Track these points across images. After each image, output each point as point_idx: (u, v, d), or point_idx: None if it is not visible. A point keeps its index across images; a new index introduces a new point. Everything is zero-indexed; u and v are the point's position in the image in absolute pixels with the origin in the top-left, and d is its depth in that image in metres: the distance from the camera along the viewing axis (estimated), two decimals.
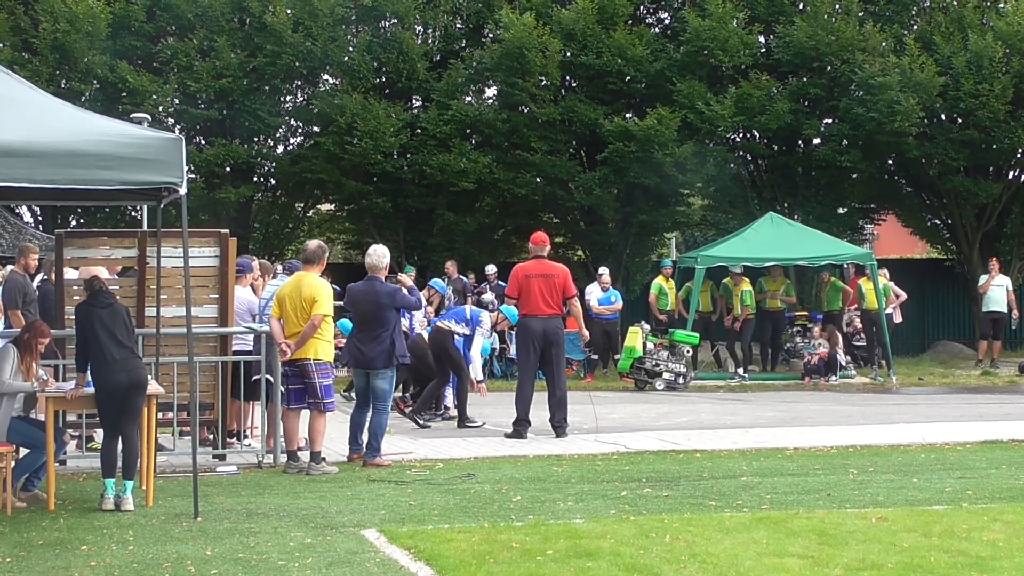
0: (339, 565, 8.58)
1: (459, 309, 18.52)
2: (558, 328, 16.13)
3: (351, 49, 29.31)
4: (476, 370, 17.56)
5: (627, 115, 29.59)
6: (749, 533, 9.54)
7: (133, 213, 27.79)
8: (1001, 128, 28.67)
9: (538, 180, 29.08)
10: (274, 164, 30.48)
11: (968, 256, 31.08)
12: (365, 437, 13.73)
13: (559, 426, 15.94)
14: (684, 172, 28.74)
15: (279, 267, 18.29)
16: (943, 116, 29.87)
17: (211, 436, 14.12)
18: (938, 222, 32.89)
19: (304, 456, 13.36)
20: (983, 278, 28.08)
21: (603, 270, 26.26)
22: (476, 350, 17.61)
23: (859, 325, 27.05)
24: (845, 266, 26.84)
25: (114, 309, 11.12)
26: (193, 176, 26.94)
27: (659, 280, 26.33)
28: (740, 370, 25.23)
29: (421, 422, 17.39)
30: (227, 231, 14.26)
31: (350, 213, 31.38)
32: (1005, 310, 27.61)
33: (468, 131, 29.41)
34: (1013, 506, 10.73)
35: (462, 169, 28.01)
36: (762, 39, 30.10)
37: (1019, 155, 30.12)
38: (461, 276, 27.31)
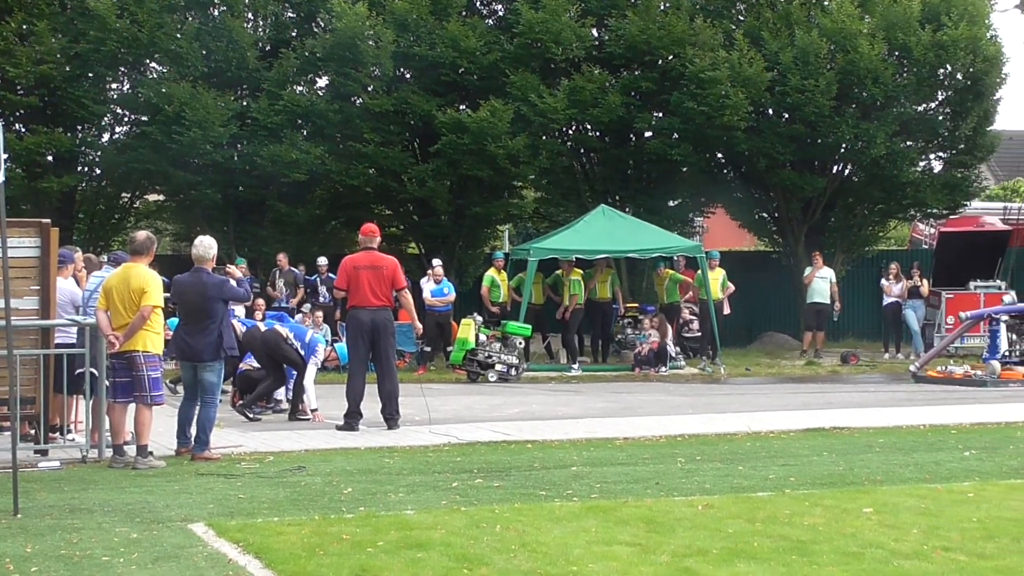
0: (166, 560, 8.44)
1: (301, 329, 18.23)
2: (387, 320, 16.07)
3: (179, 36, 28.74)
4: (311, 399, 17.21)
5: (460, 107, 29.55)
6: (579, 522, 9.61)
7: None
8: (826, 123, 29.29)
9: (371, 171, 28.91)
10: (99, 153, 29.77)
11: (794, 249, 31.70)
12: (193, 431, 13.54)
13: (390, 418, 15.90)
14: (517, 164, 28.82)
15: (104, 258, 17.92)
16: (771, 111, 30.38)
17: (33, 431, 13.80)
18: (765, 215, 33.46)
19: (130, 450, 13.12)
20: (807, 270, 28.70)
21: (436, 262, 26.27)
22: (309, 381, 17.27)
23: (690, 317, 27.46)
24: (675, 258, 27.18)
25: None
26: (11, 165, 26.23)
27: (491, 272, 26.38)
28: (572, 362, 25.41)
29: (251, 415, 17.19)
30: (48, 221, 13.93)
31: (178, 204, 30.84)
32: (828, 301, 28.27)
33: (300, 122, 29.10)
34: (833, 492, 10.98)
35: (293, 160, 27.70)
36: (595, 32, 30.28)
37: (843, 150, 30.75)
38: (292, 268, 27.09)
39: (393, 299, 16.27)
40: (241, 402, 17.67)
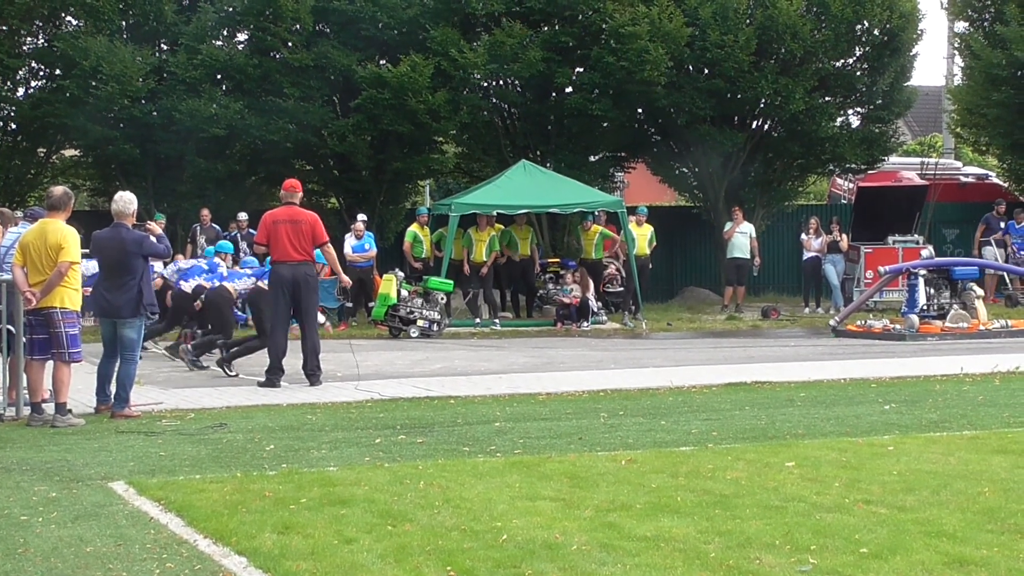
0: (86, 519, 8.35)
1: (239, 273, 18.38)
2: (307, 274, 15.95)
3: None
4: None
5: (381, 62, 29.37)
6: (502, 477, 9.61)
7: None
8: (745, 79, 29.41)
9: (291, 127, 28.64)
10: (14, 108, 29.34)
11: (714, 204, 31.84)
12: (113, 388, 13.40)
13: (312, 374, 15.83)
14: (438, 119, 28.70)
15: (20, 214, 17.67)
16: (690, 66, 30.42)
17: None
18: (686, 170, 33.56)
19: (49, 408, 12.97)
20: (727, 225, 28.86)
21: (361, 217, 26.15)
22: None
23: (612, 272, 27.53)
24: (596, 213, 27.20)
25: None
26: None
27: (413, 227, 26.29)
28: (493, 317, 25.41)
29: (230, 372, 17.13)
30: None
31: (96, 159, 30.40)
32: (748, 256, 28.48)
33: (219, 76, 28.78)
34: (755, 446, 11.05)
35: (212, 115, 27.40)
36: None
37: (762, 105, 30.89)
38: (213, 224, 26.87)
39: (315, 254, 16.19)
40: (222, 359, 17.52)
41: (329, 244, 16.28)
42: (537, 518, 8.27)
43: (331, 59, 28.38)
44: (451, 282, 24.55)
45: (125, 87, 26.95)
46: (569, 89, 30.48)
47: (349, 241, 25.46)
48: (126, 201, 13.66)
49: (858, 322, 24.13)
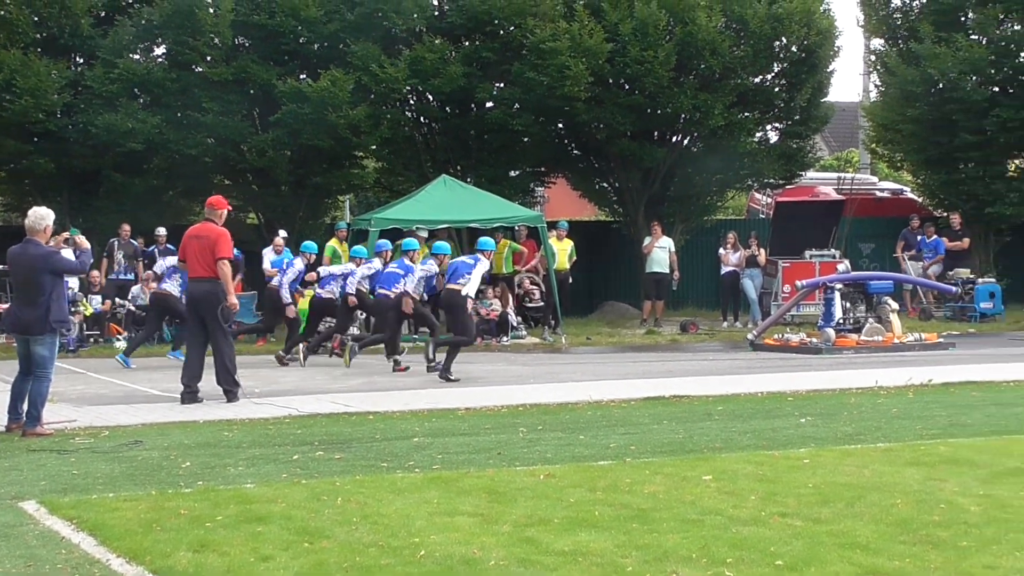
0: None
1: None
2: (209, 291, 15.66)
3: (8, 2, 27.91)
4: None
5: (301, 76, 29.24)
6: (421, 493, 9.58)
7: None
8: (665, 94, 29.56)
9: (210, 141, 28.47)
10: None
11: (634, 218, 31.96)
12: (25, 406, 13.22)
13: (227, 391, 15.68)
14: (358, 134, 28.63)
15: None
16: (611, 81, 30.55)
17: None
18: (606, 185, 33.69)
19: None
20: (646, 240, 28.99)
21: (283, 233, 26.00)
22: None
23: (530, 287, 27.54)
24: (516, 228, 27.24)
25: None
26: None
27: (333, 242, 26.13)
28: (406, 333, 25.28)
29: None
30: None
31: (9, 174, 30.06)
32: (667, 271, 28.62)
33: (136, 90, 28.53)
34: (673, 460, 11.09)
35: (130, 129, 27.12)
36: (436, 2, 30.18)
37: (682, 120, 31.08)
38: (131, 240, 26.63)
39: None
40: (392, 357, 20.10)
41: (226, 261, 15.74)
42: (455, 534, 8.25)
43: (251, 73, 28.21)
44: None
45: (40, 101, 26.64)
46: (490, 104, 30.51)
47: (268, 256, 25.30)
48: (39, 217, 13.49)
49: (775, 336, 24.31)
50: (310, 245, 23.07)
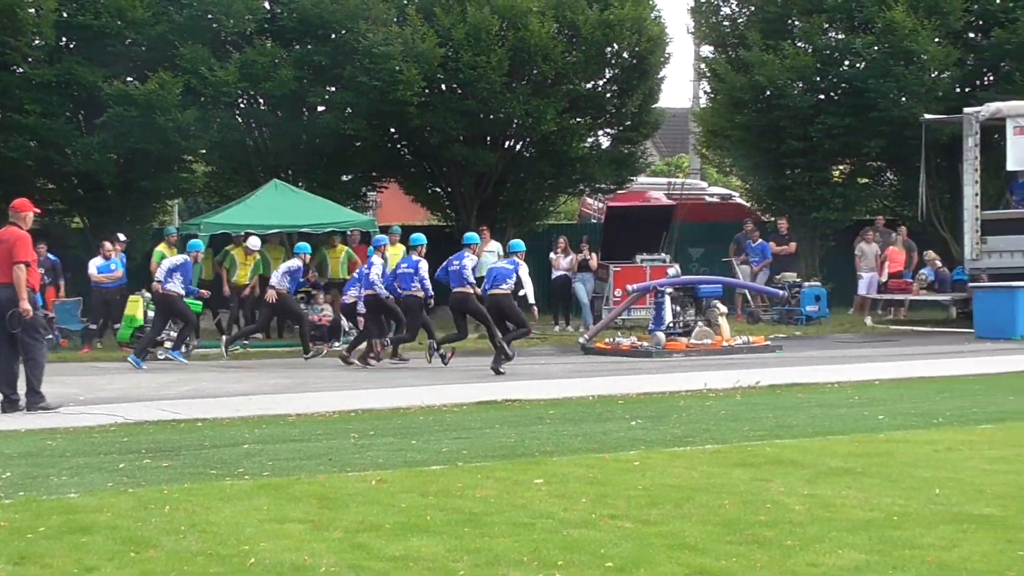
0: None
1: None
2: (11, 297, 15.14)
3: None
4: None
5: (128, 79, 28.69)
6: (251, 500, 9.47)
7: None
8: (498, 99, 29.65)
9: (32, 144, 27.78)
10: None
11: (467, 223, 31.89)
12: None
13: (30, 402, 15.13)
14: (187, 138, 28.17)
15: None
16: (444, 86, 30.57)
17: None
18: (439, 190, 33.70)
19: None
20: None
21: (122, 237, 25.52)
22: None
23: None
24: (349, 233, 27.08)
25: None
26: None
27: (161, 247, 25.68)
28: (244, 338, 25.02)
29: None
30: None
31: None
32: None
33: None
34: (505, 463, 11.12)
35: None
36: (267, 5, 29.83)
37: (515, 125, 31.19)
38: None
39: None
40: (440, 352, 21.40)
41: (21, 265, 15.05)
42: (286, 540, 8.17)
43: (76, 75, 27.57)
44: (200, 303, 24.13)
45: None
46: (322, 108, 30.26)
47: (95, 262, 24.82)
48: None
49: (607, 340, 24.53)
50: (304, 246, 23.85)
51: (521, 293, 21.28)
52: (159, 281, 22.07)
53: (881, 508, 9.07)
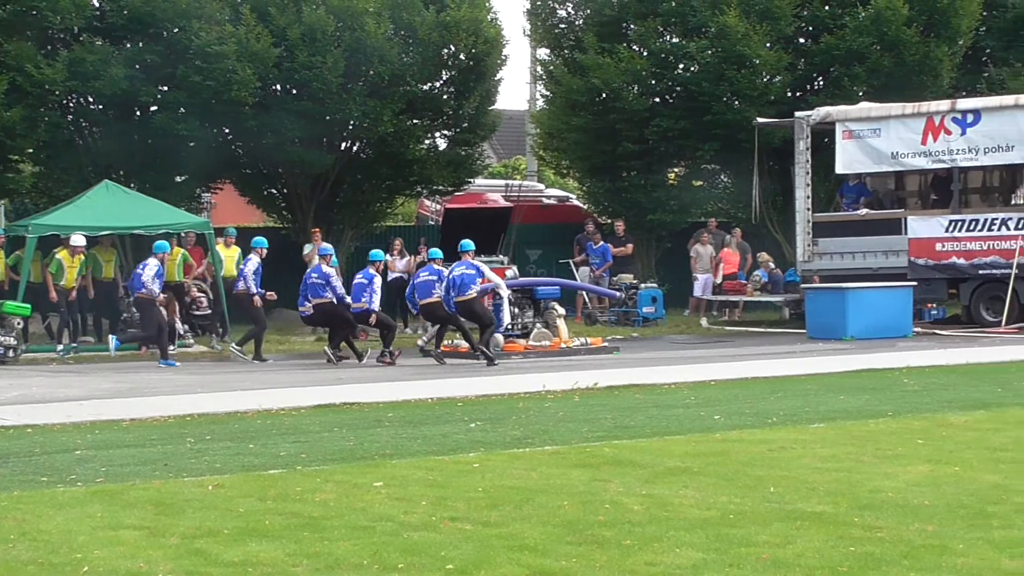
0: None
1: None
2: None
3: None
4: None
5: None
6: (83, 507, 9.27)
7: None
8: (334, 100, 29.45)
9: None
10: None
11: (303, 225, 31.71)
12: None
13: None
14: (13, 137, 27.52)
15: None
16: (279, 87, 30.30)
17: None
18: (275, 191, 33.39)
19: None
20: (307, 248, 28.80)
21: None
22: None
23: (197, 294, 27.02)
24: (183, 235, 26.68)
25: None
26: None
27: None
28: (67, 342, 24.46)
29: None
30: None
31: None
32: None
33: None
34: (344, 467, 11.04)
35: None
36: (96, 2, 29.24)
37: (351, 127, 31.04)
38: None
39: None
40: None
41: None
42: (120, 548, 8.02)
43: None
44: (28, 306, 23.58)
45: None
46: (155, 108, 29.78)
47: None
48: None
49: (446, 342, 24.48)
50: (261, 240, 24.58)
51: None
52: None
53: (718, 507, 9.18)
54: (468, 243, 23.17)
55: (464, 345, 23.77)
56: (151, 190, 28.19)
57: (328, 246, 25.10)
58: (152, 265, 22.93)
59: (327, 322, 23.83)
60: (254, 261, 23.89)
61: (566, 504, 9.27)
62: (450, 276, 22.34)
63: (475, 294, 22.30)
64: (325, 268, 23.21)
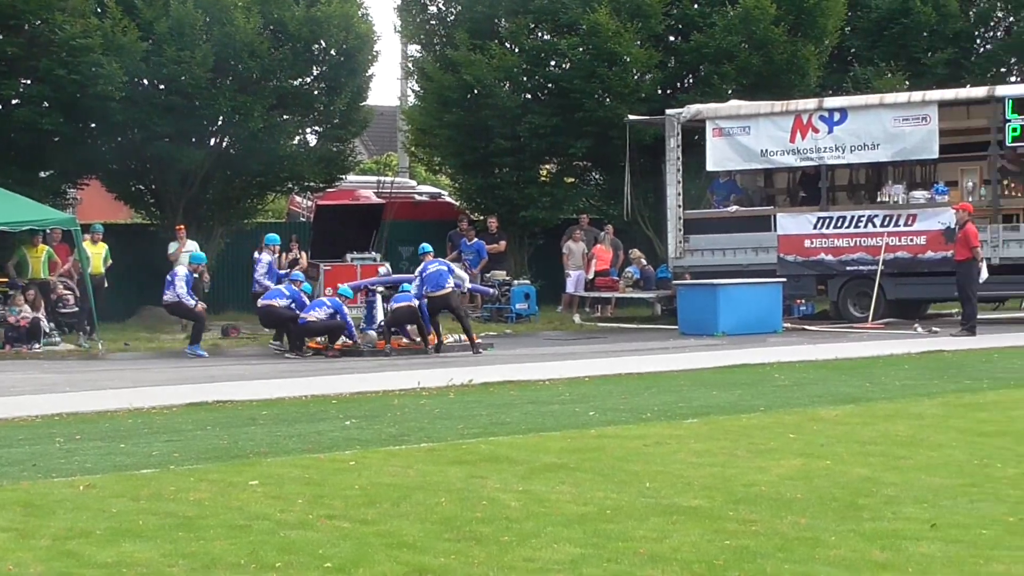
0: None
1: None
2: None
3: None
4: None
5: None
6: None
7: None
8: (204, 95, 29.13)
9: None
10: None
11: (172, 222, 31.26)
12: None
13: None
14: None
15: None
16: (147, 81, 29.88)
17: None
18: (143, 187, 32.90)
19: None
20: (172, 246, 28.45)
21: None
22: None
23: (63, 292, 26.56)
24: (47, 231, 26.16)
25: None
26: None
27: None
28: None
29: None
30: None
31: None
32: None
33: None
34: (218, 466, 10.93)
35: None
36: None
37: (221, 123, 30.72)
38: None
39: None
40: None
41: None
42: None
43: None
44: None
45: None
46: (16, 102, 29.18)
47: None
48: None
49: (318, 339, 24.33)
50: (273, 237, 26.04)
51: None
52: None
53: (594, 502, 9.23)
54: (427, 246, 24.56)
55: (337, 342, 23.67)
56: (14, 185, 27.50)
57: (274, 236, 26.17)
58: None
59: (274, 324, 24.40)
60: (182, 271, 24.48)
61: (443, 501, 9.26)
62: (425, 274, 23.36)
63: (451, 289, 23.41)
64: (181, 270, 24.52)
